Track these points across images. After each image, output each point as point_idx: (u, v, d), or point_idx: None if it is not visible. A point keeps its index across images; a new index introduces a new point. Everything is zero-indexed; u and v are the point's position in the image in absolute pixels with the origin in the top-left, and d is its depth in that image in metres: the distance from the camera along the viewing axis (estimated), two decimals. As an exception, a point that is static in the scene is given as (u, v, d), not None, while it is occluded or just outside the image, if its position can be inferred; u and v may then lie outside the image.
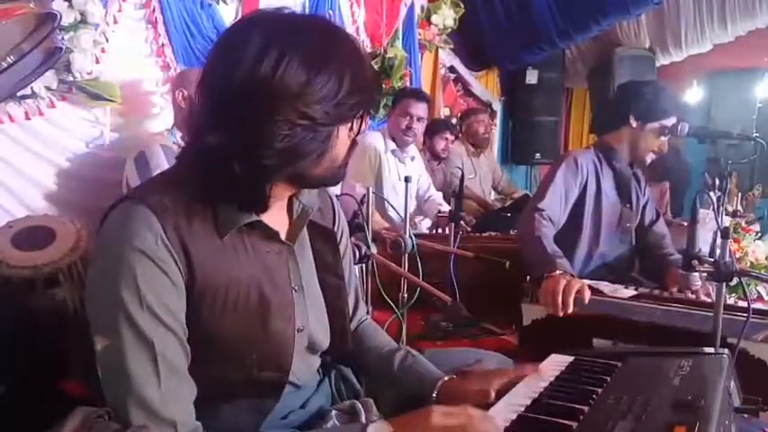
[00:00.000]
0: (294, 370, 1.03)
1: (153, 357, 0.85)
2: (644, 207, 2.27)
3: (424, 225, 3.26)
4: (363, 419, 1.03)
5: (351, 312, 1.23)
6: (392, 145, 3.20)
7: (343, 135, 0.95)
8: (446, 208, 3.17)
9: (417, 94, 3.24)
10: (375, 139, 3.16)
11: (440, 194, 3.45)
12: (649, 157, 2.14)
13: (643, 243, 2.25)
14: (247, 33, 0.89)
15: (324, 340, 1.11)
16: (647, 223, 2.27)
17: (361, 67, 0.93)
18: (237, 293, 0.94)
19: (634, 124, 2.09)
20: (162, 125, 2.49)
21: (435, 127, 3.89)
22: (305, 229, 1.08)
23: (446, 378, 1.11)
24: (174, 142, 2.19)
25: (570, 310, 1.59)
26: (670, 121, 2.08)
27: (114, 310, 0.84)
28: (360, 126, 0.98)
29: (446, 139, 3.90)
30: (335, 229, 1.17)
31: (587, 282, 1.69)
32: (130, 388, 0.84)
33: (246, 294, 0.95)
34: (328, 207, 1.17)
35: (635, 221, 2.23)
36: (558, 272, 1.70)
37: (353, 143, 1.00)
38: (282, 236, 1.02)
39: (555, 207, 2.00)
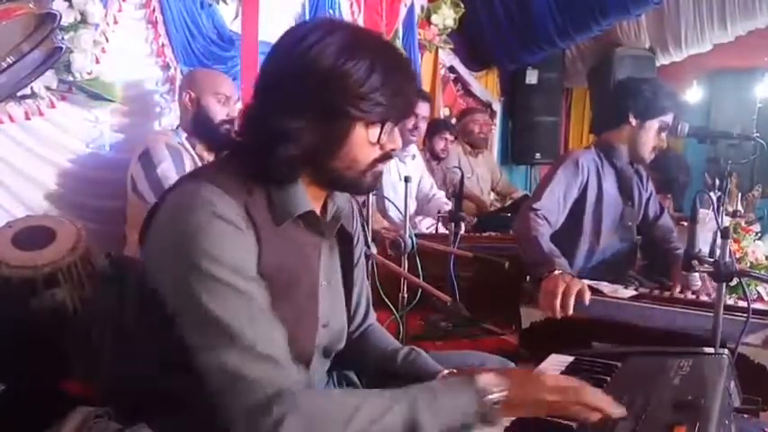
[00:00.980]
0: (312, 366, 1.03)
1: (244, 304, 0.85)
2: (647, 202, 2.27)
3: (424, 225, 3.26)
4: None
5: (361, 319, 1.24)
6: None
7: (360, 134, 0.95)
8: (448, 207, 3.16)
9: (420, 94, 3.26)
10: None
11: (443, 193, 3.45)
12: (650, 155, 2.14)
13: (649, 238, 2.25)
14: (306, 23, 0.98)
15: (341, 339, 1.13)
16: (651, 218, 2.28)
17: (395, 75, 0.95)
18: (283, 283, 0.95)
19: (633, 122, 2.09)
20: (162, 125, 2.49)
21: (435, 127, 3.89)
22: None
23: (445, 372, 1.11)
24: (179, 142, 2.19)
25: (570, 312, 1.57)
26: (669, 118, 2.08)
27: (203, 272, 0.84)
28: (380, 133, 0.97)
29: (445, 139, 3.90)
30: (354, 235, 1.19)
31: (587, 282, 1.69)
32: (224, 337, 0.82)
33: (288, 283, 0.96)
34: (349, 214, 1.18)
35: (637, 219, 2.23)
36: (557, 271, 1.70)
37: (386, 156, 1.00)
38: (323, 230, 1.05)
39: (552, 207, 1.99)
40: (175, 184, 0.96)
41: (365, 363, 1.21)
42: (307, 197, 0.99)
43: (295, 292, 0.97)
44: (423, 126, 3.24)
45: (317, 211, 1.06)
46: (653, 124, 2.08)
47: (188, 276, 0.85)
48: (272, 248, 0.93)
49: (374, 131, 0.96)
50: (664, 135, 2.10)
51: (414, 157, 3.35)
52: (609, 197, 2.12)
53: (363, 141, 0.96)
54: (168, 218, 0.91)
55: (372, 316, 1.29)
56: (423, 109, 3.17)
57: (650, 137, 2.09)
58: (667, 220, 2.30)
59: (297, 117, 0.91)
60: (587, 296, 1.59)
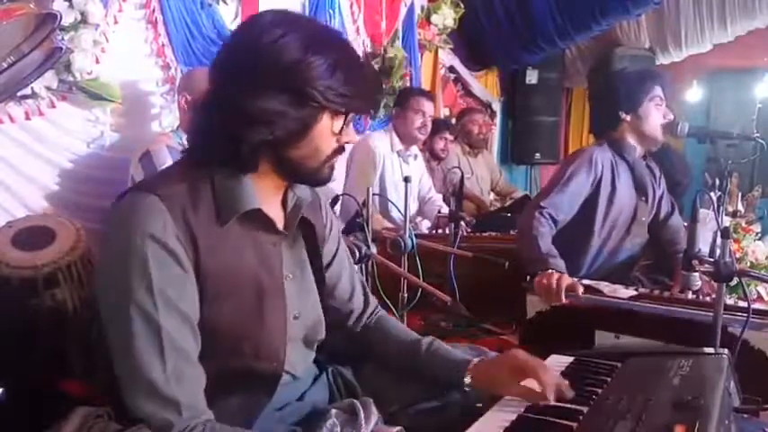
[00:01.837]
0: (291, 360, 1.04)
1: (160, 342, 0.87)
2: (660, 199, 2.27)
3: (424, 225, 3.26)
4: (362, 418, 1.03)
5: (361, 306, 1.24)
6: (398, 145, 3.21)
7: (325, 125, 0.98)
8: (445, 210, 3.17)
9: (426, 93, 3.32)
10: (379, 140, 3.17)
11: (440, 197, 3.45)
12: (662, 134, 2.13)
13: (656, 237, 2.25)
14: (264, 17, 0.98)
15: (319, 329, 1.13)
16: (662, 216, 2.28)
17: (357, 70, 0.98)
18: (236, 281, 0.96)
19: (627, 117, 2.11)
20: (162, 125, 2.49)
21: (435, 127, 3.87)
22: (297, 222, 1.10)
23: (475, 360, 1.10)
24: (179, 143, 2.19)
25: (563, 300, 1.67)
26: (657, 91, 2.09)
27: (124, 294, 0.87)
28: (342, 126, 1.00)
29: (445, 138, 3.90)
30: (325, 226, 1.19)
31: (587, 282, 1.70)
32: (136, 371, 0.86)
33: (244, 282, 0.97)
34: (316, 206, 1.18)
35: (650, 215, 2.23)
36: (549, 270, 1.74)
37: (340, 149, 1.03)
38: (279, 226, 1.05)
39: (560, 205, 2.00)
40: (125, 192, 0.97)
41: (385, 353, 1.21)
42: (254, 194, 0.99)
43: (250, 288, 0.98)
44: (429, 124, 3.24)
45: (277, 205, 1.06)
46: (647, 108, 2.09)
47: (112, 298, 0.89)
48: (216, 250, 0.94)
49: (338, 122, 0.99)
50: (663, 108, 2.10)
51: (416, 156, 3.36)
52: (622, 192, 2.12)
53: (327, 131, 0.99)
54: (110, 234, 0.94)
55: (374, 301, 1.28)
56: (428, 107, 3.18)
57: (652, 119, 2.10)
58: (677, 220, 2.30)
59: (269, 100, 0.93)
60: (580, 289, 1.67)
